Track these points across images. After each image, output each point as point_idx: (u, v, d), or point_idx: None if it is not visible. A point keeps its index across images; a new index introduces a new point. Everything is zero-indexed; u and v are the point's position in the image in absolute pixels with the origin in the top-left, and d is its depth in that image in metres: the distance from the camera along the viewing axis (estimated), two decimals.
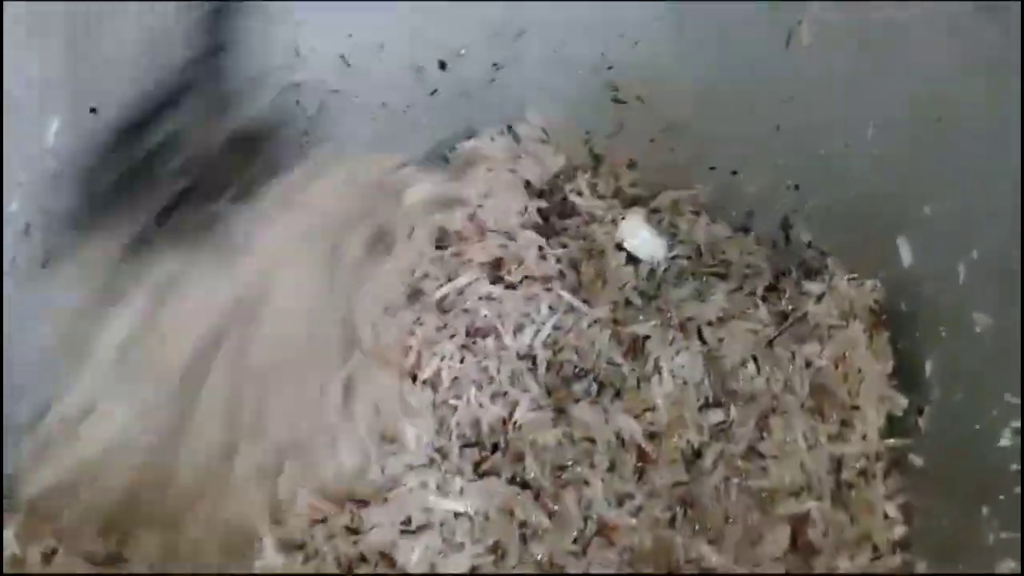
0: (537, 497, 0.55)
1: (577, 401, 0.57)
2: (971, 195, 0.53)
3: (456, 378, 0.58)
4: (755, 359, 0.59)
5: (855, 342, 0.58)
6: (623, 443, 0.56)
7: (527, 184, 0.66)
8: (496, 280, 0.61)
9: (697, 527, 0.54)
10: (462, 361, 0.58)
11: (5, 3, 0.49)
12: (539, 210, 0.65)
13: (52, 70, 0.54)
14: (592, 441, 0.56)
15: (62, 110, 0.56)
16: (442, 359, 0.58)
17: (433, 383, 0.58)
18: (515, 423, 0.57)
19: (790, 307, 0.61)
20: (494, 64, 0.65)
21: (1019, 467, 0.48)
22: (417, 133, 0.66)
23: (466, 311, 0.60)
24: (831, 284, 0.60)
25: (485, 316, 0.60)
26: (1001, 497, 0.49)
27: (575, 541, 0.54)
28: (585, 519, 0.54)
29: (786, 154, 0.63)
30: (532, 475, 0.56)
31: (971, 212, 0.53)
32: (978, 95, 0.52)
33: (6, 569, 0.52)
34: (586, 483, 0.55)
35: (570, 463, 0.56)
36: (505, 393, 0.58)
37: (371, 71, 0.63)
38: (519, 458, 0.56)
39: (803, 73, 0.59)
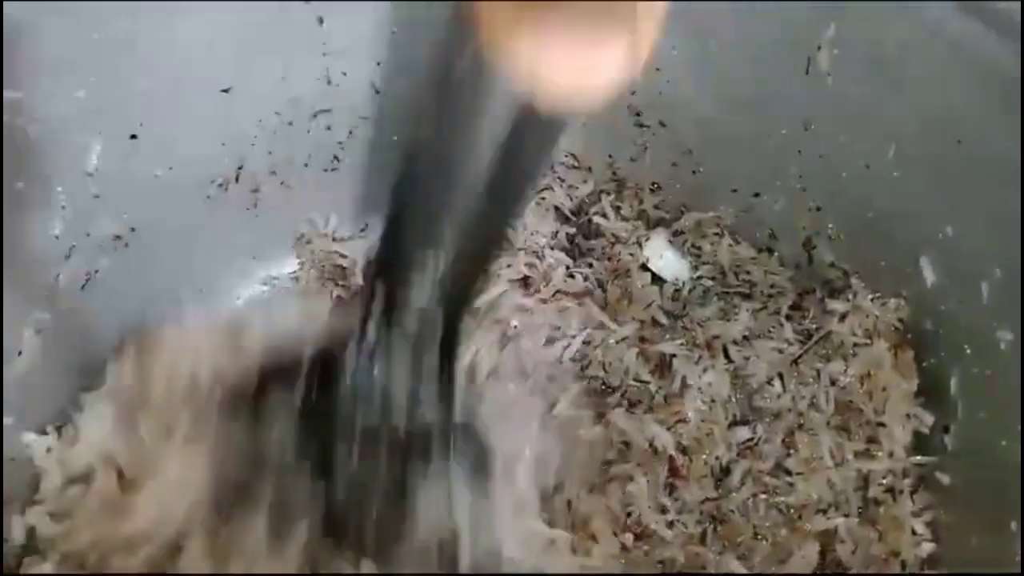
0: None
1: (614, 408, 0.58)
2: (993, 213, 0.54)
3: (495, 368, 0.58)
4: (781, 377, 0.60)
5: (880, 360, 0.58)
6: (656, 452, 0.57)
7: (556, 209, 0.67)
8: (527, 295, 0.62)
9: (727, 543, 0.55)
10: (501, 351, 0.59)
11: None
12: (566, 233, 0.67)
13: (93, 96, 0.56)
14: (628, 445, 0.57)
15: (103, 136, 0.58)
16: (477, 350, 0.58)
17: (469, 373, 0.58)
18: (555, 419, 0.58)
19: (814, 326, 0.61)
20: None
21: None
22: None
23: (497, 321, 0.61)
24: (855, 303, 0.61)
25: (515, 327, 0.60)
26: None
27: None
28: (627, 514, 0.55)
29: (808, 176, 0.64)
30: None
31: (993, 230, 0.53)
32: (994, 114, 0.52)
33: None
34: (631, 478, 0.56)
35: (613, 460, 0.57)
36: (544, 390, 0.58)
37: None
38: None
39: (822, 97, 0.60)
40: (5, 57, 0.51)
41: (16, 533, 0.54)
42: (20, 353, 0.56)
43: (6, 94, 0.52)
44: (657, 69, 0.65)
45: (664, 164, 0.69)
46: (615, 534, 0.54)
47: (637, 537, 0.54)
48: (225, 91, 0.62)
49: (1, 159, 0.51)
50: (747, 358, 0.60)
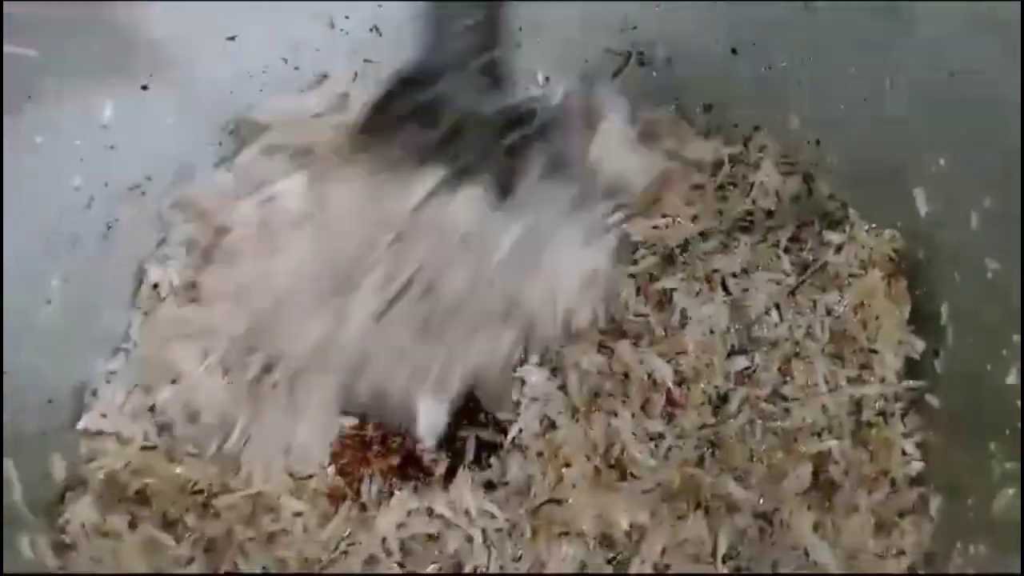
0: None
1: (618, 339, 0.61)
2: (984, 145, 0.55)
3: None
4: (778, 307, 0.62)
5: (874, 289, 0.60)
6: (655, 384, 0.60)
7: None
8: None
9: (723, 467, 0.58)
10: None
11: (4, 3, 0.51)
12: None
13: (104, 49, 0.58)
14: (627, 377, 0.60)
15: (116, 89, 0.59)
16: None
17: None
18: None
19: (811, 257, 0.63)
20: None
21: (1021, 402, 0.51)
22: None
23: None
24: (851, 234, 0.63)
25: None
26: (1007, 431, 0.52)
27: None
28: (608, 446, 0.58)
29: (807, 110, 0.65)
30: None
31: (983, 162, 0.55)
32: (988, 52, 0.53)
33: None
34: (615, 414, 0.59)
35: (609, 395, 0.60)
36: None
37: None
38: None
39: (821, 31, 0.61)
40: (17, 15, 0.53)
41: (56, 470, 0.58)
42: (49, 302, 0.59)
43: (20, 51, 0.53)
44: (657, 7, 0.65)
45: (667, 101, 0.70)
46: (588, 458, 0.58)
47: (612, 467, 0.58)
48: (231, 39, 0.63)
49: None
50: (745, 290, 0.62)
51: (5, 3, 0.51)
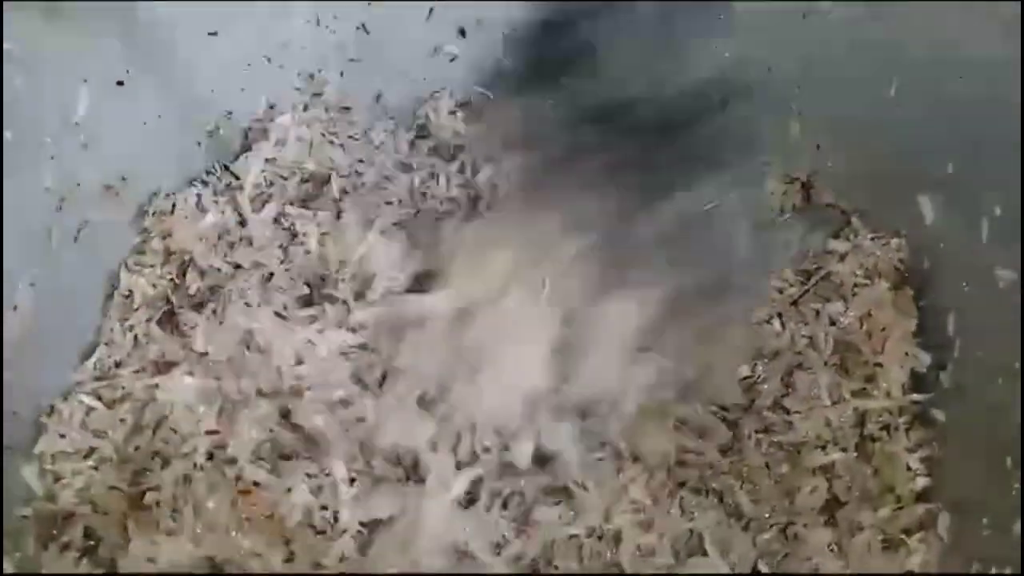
0: None
1: None
2: (993, 150, 0.53)
3: None
4: (780, 317, 0.60)
5: (880, 300, 0.59)
6: None
7: None
8: None
9: (734, 476, 0.56)
10: None
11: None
12: None
13: (78, 43, 0.55)
14: None
15: (91, 82, 0.56)
16: None
17: None
18: None
19: (815, 266, 0.62)
20: None
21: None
22: None
23: None
24: (855, 243, 0.61)
25: None
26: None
27: None
28: None
29: (806, 115, 0.64)
30: None
31: (994, 169, 0.53)
32: (996, 50, 0.52)
33: None
34: None
35: None
36: None
37: None
38: None
39: (821, 34, 0.60)
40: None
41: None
42: (16, 308, 0.55)
43: None
44: None
45: None
46: None
47: None
48: (213, 34, 0.61)
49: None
50: None
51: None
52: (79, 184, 0.58)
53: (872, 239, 0.61)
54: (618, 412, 0.55)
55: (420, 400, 0.55)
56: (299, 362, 0.57)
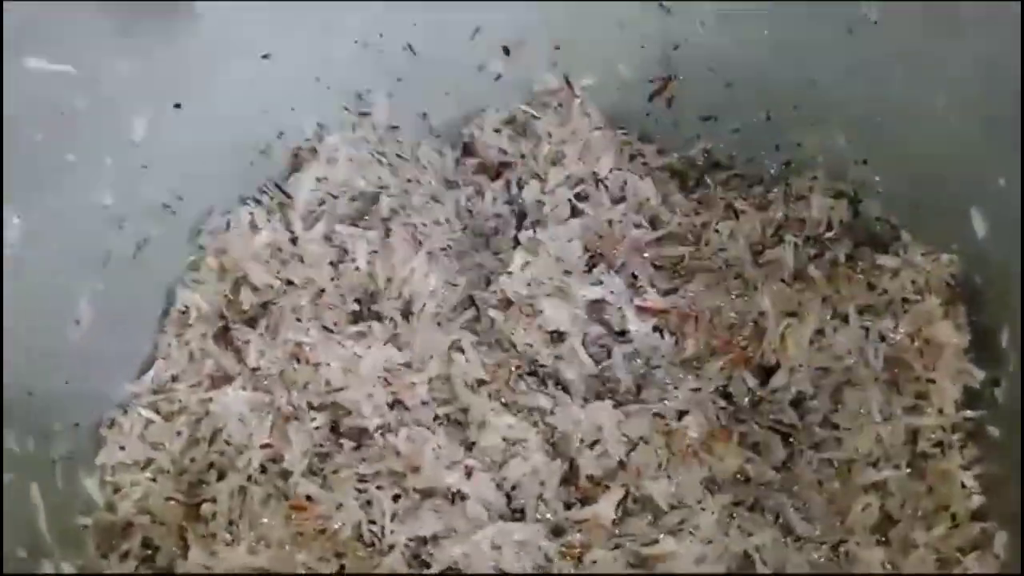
0: None
1: None
2: None
3: None
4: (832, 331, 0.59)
5: (931, 316, 0.58)
6: None
7: None
8: None
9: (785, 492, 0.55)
10: None
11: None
12: None
13: (138, 67, 0.57)
14: None
15: (150, 104, 0.58)
16: None
17: None
18: None
19: (865, 281, 0.61)
20: None
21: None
22: None
23: None
24: (906, 258, 0.60)
25: None
26: None
27: None
28: None
29: (853, 128, 0.63)
30: None
31: None
32: None
33: None
34: None
35: None
36: None
37: None
38: None
39: (868, 42, 0.59)
40: (52, 31, 0.52)
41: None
42: (78, 322, 0.57)
43: (56, 67, 0.52)
44: (702, 23, 0.64)
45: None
46: None
47: None
48: (265, 57, 0.62)
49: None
50: None
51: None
52: (138, 203, 0.60)
53: (923, 255, 0.60)
54: None
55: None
56: (346, 377, 0.58)
